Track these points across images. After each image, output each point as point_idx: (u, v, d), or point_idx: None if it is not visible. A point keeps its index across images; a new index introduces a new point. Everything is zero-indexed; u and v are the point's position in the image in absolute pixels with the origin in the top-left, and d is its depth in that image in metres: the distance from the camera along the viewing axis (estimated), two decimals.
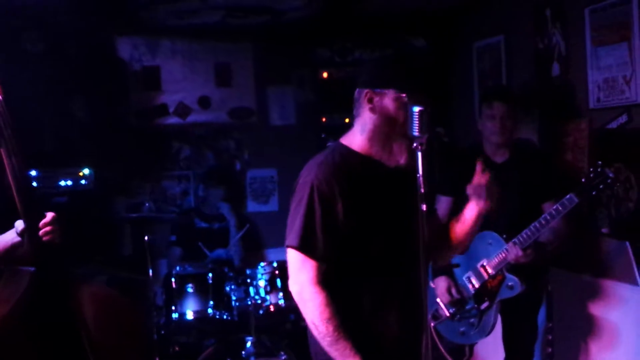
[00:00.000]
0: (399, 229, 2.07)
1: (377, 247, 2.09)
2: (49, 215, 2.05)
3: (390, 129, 2.05)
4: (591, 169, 2.91)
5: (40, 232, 2.02)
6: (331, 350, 2.01)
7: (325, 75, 5.00)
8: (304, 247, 2.03)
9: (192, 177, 5.06)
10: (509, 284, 3.15)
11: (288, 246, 2.07)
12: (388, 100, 2.05)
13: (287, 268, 3.79)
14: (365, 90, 2.08)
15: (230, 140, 5.17)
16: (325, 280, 2.04)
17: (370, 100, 2.07)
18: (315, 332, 2.03)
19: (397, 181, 2.07)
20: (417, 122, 1.86)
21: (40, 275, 2.03)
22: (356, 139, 2.12)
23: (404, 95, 2.02)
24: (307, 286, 2.03)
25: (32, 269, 2.04)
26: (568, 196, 2.92)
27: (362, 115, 2.11)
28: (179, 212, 4.91)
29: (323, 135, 4.98)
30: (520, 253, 3.04)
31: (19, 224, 2.06)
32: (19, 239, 2.06)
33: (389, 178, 2.10)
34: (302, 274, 2.04)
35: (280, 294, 3.71)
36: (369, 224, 2.08)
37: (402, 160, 2.05)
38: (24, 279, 2.03)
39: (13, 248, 2.07)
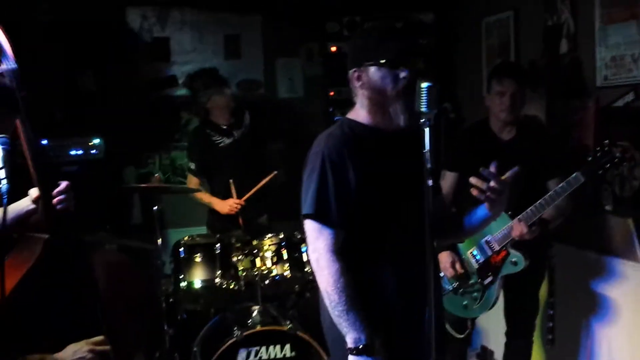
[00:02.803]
0: (408, 199, 2.10)
1: (387, 216, 2.13)
2: (63, 183, 2.09)
3: (382, 97, 2.11)
4: (598, 148, 2.92)
5: (54, 200, 2.07)
6: (341, 321, 2.03)
7: (333, 49, 5.01)
8: (320, 215, 2.07)
9: None
10: (513, 259, 3.19)
11: (304, 216, 2.11)
12: (372, 73, 2.11)
13: (295, 239, 3.86)
14: (352, 71, 2.15)
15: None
16: (341, 250, 2.08)
17: (358, 78, 2.14)
18: (327, 301, 2.06)
19: (404, 149, 2.11)
20: (425, 97, 1.89)
21: (54, 242, 2.08)
22: (360, 113, 2.19)
23: (382, 62, 2.08)
24: (324, 254, 2.06)
25: (46, 235, 2.09)
26: (574, 175, 2.94)
27: (357, 94, 2.18)
28: (189, 133, 4.69)
29: (330, 109, 4.99)
30: (525, 230, 3.07)
31: (33, 192, 2.10)
32: (33, 206, 2.10)
33: (396, 146, 2.15)
34: (319, 242, 2.08)
35: (286, 265, 3.75)
36: (380, 193, 2.12)
37: (401, 121, 2.10)
38: (37, 245, 2.07)
39: (27, 215, 2.11)
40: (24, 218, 2.11)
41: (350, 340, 2.03)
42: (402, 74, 2.07)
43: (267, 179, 4.23)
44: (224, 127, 4.34)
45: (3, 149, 1.67)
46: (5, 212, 1.63)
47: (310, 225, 2.11)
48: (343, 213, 2.07)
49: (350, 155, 2.09)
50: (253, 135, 4.40)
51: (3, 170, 1.62)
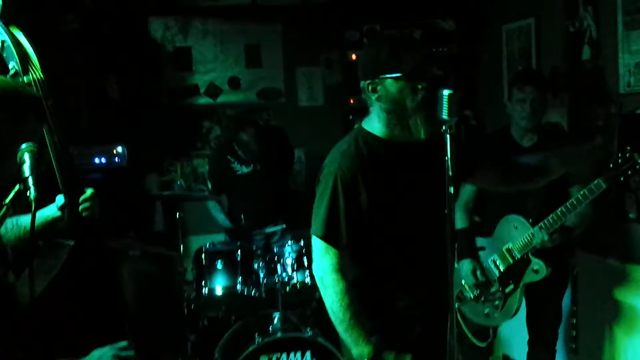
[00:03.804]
0: (425, 212, 2.10)
1: (403, 231, 2.13)
2: (89, 191, 2.13)
3: (401, 110, 2.07)
4: (619, 155, 2.89)
5: (80, 208, 2.10)
6: (345, 337, 2.08)
7: (353, 57, 5.02)
8: (328, 237, 2.09)
9: None
10: (535, 267, 3.16)
11: (313, 234, 2.14)
12: (388, 85, 2.06)
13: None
14: (367, 82, 2.10)
15: (259, 121, 5.22)
16: (348, 266, 2.10)
17: (374, 90, 2.09)
18: (332, 317, 2.11)
19: (421, 160, 2.10)
20: (446, 105, 1.88)
21: (79, 248, 2.10)
22: (376, 125, 2.15)
23: (399, 75, 2.03)
24: (329, 273, 2.09)
25: (71, 242, 2.12)
26: (596, 181, 2.91)
27: (373, 105, 2.14)
28: (213, 151, 4.80)
29: (350, 117, 5.01)
30: (546, 238, 3.04)
31: (60, 199, 2.13)
32: (59, 213, 2.13)
33: (414, 158, 2.13)
34: (324, 261, 2.11)
35: (307, 272, 3.77)
36: (395, 210, 2.11)
37: (422, 134, 2.08)
38: (63, 252, 2.10)
39: (54, 222, 2.15)
40: (50, 225, 2.15)
41: (355, 355, 2.07)
42: (421, 86, 2.04)
43: (274, 228, 4.23)
44: (245, 156, 4.36)
45: (30, 156, 1.69)
46: (33, 219, 1.65)
47: (317, 243, 2.13)
48: (352, 234, 2.09)
49: (364, 177, 2.08)
50: (273, 166, 4.42)
51: (30, 178, 1.64)
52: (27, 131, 1.80)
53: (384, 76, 2.06)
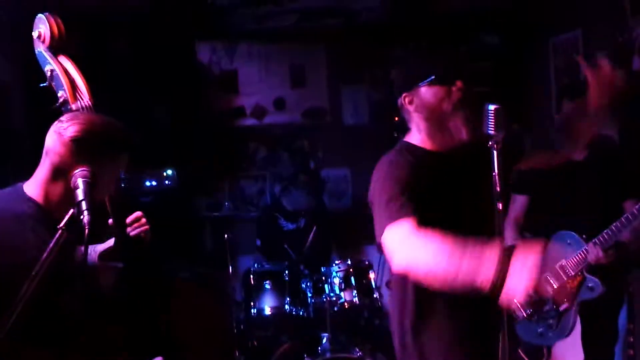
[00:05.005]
0: (473, 221, 2.04)
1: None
2: (136, 213, 2.15)
3: (439, 114, 2.08)
4: None
5: (127, 229, 2.12)
6: (467, 271, 1.81)
7: None
8: (399, 216, 1.96)
9: (268, 177, 5.19)
10: (589, 285, 3.08)
11: (385, 231, 1.99)
12: (423, 93, 2.09)
13: (362, 266, 3.83)
14: (403, 96, 2.13)
15: (305, 140, 5.25)
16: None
17: (411, 102, 2.12)
18: (437, 265, 1.85)
19: (468, 170, 2.08)
20: (492, 119, 1.86)
21: (128, 271, 2.13)
22: (417, 137, 2.17)
23: (431, 79, 2.05)
24: (414, 233, 1.92)
25: (120, 264, 2.15)
26: None
27: (412, 118, 2.15)
28: (260, 210, 4.88)
29: (395, 135, 4.97)
30: (601, 254, 2.97)
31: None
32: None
33: (459, 168, 2.11)
34: (402, 231, 1.95)
35: (355, 292, 3.76)
36: (443, 221, 2.08)
37: (464, 135, 2.06)
38: (112, 274, 2.13)
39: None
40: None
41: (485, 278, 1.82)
42: (455, 87, 2.05)
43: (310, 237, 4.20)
44: (292, 212, 4.48)
45: (84, 181, 1.73)
46: (87, 243, 1.69)
47: (391, 234, 1.97)
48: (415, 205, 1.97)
49: (415, 184, 2.05)
50: (317, 222, 4.41)
51: (84, 202, 1.68)
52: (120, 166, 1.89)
53: (417, 85, 2.09)
